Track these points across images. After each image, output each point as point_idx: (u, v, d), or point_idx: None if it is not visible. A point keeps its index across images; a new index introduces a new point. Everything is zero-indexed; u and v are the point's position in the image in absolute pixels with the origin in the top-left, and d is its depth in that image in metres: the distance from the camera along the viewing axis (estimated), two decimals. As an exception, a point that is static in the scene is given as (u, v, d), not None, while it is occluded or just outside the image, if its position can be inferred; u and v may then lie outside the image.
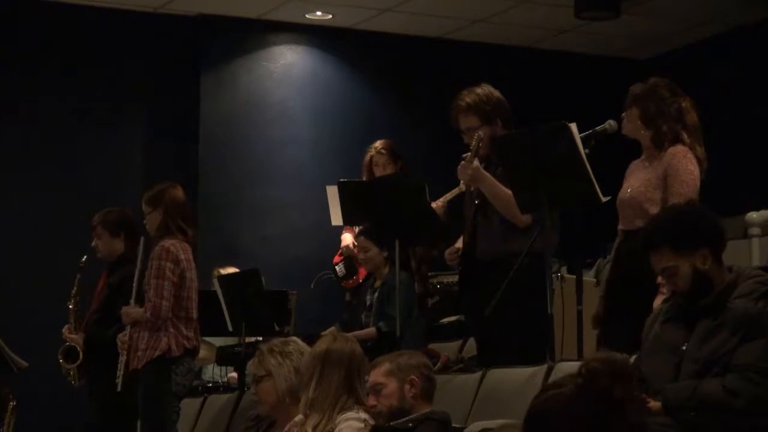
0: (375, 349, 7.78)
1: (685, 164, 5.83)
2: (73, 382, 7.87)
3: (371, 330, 7.86)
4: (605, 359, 2.63)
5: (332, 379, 5.32)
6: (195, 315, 7.10)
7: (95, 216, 7.83)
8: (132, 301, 7.14)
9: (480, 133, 6.23)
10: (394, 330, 7.69)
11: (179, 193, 7.22)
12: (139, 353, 6.97)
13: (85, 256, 7.94)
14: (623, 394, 2.59)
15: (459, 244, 6.52)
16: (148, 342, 6.95)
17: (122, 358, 7.09)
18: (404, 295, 7.34)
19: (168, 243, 7.03)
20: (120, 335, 7.13)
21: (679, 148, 5.89)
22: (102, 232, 7.76)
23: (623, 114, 6.05)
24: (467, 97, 6.35)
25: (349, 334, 7.76)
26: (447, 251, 6.56)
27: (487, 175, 6.19)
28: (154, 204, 7.16)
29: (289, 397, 5.65)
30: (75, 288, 7.94)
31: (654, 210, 5.74)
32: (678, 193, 5.78)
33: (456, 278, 8.90)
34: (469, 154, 6.24)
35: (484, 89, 6.40)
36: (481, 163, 6.36)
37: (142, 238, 7.31)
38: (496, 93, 6.40)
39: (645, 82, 6.06)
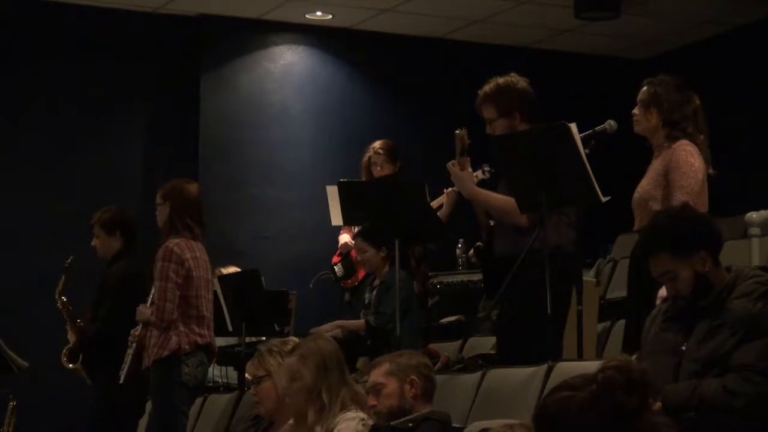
0: (364, 343, 7.84)
1: (686, 157, 5.85)
2: (87, 381, 7.89)
3: (361, 321, 7.93)
4: (622, 368, 2.62)
5: (321, 380, 5.37)
6: (207, 313, 7.06)
7: (93, 215, 7.85)
8: (149, 299, 7.11)
9: (460, 131, 6.18)
10: (383, 326, 7.74)
11: (191, 189, 7.19)
12: (149, 350, 6.96)
13: (71, 257, 7.93)
14: (637, 405, 2.59)
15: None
16: (157, 340, 6.93)
17: (129, 351, 7.08)
18: (402, 294, 7.35)
19: (172, 243, 6.99)
20: (132, 330, 7.12)
21: (681, 143, 5.90)
22: (99, 231, 7.79)
23: (636, 111, 6.03)
24: (487, 87, 6.25)
25: (341, 322, 7.87)
26: (470, 253, 6.57)
27: (472, 185, 6.15)
28: (164, 197, 7.14)
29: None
30: (60, 288, 7.94)
31: (656, 207, 5.75)
32: (680, 185, 5.79)
33: (456, 278, 8.95)
34: (457, 159, 6.19)
35: (507, 79, 6.24)
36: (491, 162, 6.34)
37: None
38: (521, 84, 6.23)
39: (657, 79, 6.04)
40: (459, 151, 6.17)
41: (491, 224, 6.32)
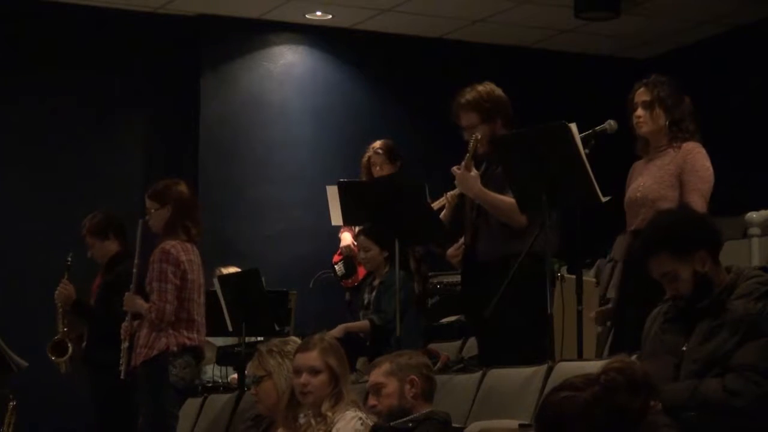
0: (364, 343, 7.84)
1: (702, 160, 5.89)
2: (61, 370, 7.90)
3: (365, 322, 7.92)
4: (624, 369, 2.62)
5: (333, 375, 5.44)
6: (198, 317, 7.06)
7: (82, 225, 7.85)
8: (132, 287, 7.10)
9: (477, 134, 6.24)
10: (386, 325, 7.75)
11: (184, 189, 7.17)
12: (137, 350, 6.96)
13: (70, 254, 7.91)
14: (639, 407, 2.59)
15: (462, 242, 6.53)
16: (146, 339, 6.93)
17: (124, 345, 7.08)
18: (401, 294, 7.34)
19: (168, 245, 6.97)
20: (124, 323, 7.12)
21: (694, 145, 5.92)
22: (92, 240, 7.81)
23: (639, 113, 5.99)
24: (468, 94, 6.37)
25: (345, 325, 7.88)
26: (450, 250, 6.58)
27: (480, 186, 6.19)
28: (160, 200, 7.08)
29: (288, 396, 5.65)
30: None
31: (666, 207, 5.75)
32: (696, 188, 5.82)
33: (456, 278, 8.94)
34: (464, 161, 6.23)
35: (486, 87, 6.40)
36: (481, 162, 6.37)
37: (141, 221, 7.23)
38: (498, 91, 6.40)
39: (653, 80, 6.02)
40: (471, 154, 6.21)
41: (476, 226, 6.35)
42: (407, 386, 5.16)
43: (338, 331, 7.85)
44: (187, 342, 6.96)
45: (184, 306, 6.98)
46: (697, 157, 5.89)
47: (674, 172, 5.89)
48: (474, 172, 6.23)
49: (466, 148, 6.32)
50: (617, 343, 5.97)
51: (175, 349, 6.90)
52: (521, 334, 5.94)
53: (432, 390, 5.25)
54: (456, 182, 6.34)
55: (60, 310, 7.86)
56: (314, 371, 5.44)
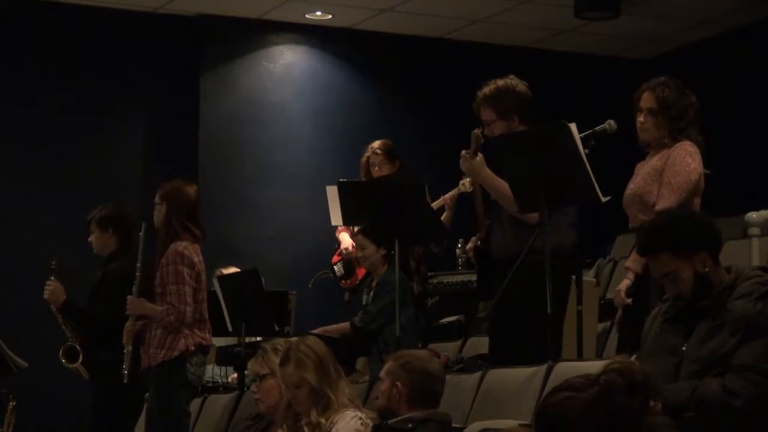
0: (349, 344, 7.83)
1: (683, 157, 5.84)
2: (84, 376, 7.88)
3: (345, 324, 7.92)
4: (624, 370, 2.62)
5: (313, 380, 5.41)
6: (206, 315, 7.09)
7: (91, 213, 7.87)
8: (135, 290, 7.07)
9: (477, 131, 6.22)
10: (367, 326, 7.74)
11: (190, 191, 7.14)
12: (151, 351, 6.92)
13: (54, 258, 7.85)
14: (639, 408, 2.60)
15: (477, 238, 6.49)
16: (162, 341, 6.89)
17: (128, 349, 7.05)
18: (393, 294, 7.33)
19: (181, 246, 6.94)
20: (126, 325, 7.09)
21: (684, 143, 5.89)
22: (94, 227, 7.81)
23: (642, 119, 5.97)
24: (486, 89, 6.23)
25: (323, 328, 7.87)
26: (468, 246, 6.54)
27: (486, 170, 6.16)
28: (162, 197, 7.11)
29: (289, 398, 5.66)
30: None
31: (652, 200, 5.75)
32: (669, 182, 5.79)
33: (456, 278, 8.94)
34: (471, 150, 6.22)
35: (507, 82, 6.23)
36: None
37: (144, 224, 7.21)
38: (520, 87, 6.23)
39: (660, 83, 5.99)
40: (473, 149, 6.19)
41: (489, 223, 6.32)
42: (393, 389, 5.16)
43: (317, 332, 7.84)
44: (202, 341, 6.98)
45: (198, 307, 6.98)
46: (679, 153, 5.85)
47: (659, 168, 5.89)
48: (479, 157, 6.16)
49: (465, 146, 6.30)
50: (621, 346, 5.94)
51: (193, 348, 6.91)
52: (535, 333, 5.84)
53: (425, 398, 5.18)
54: (462, 167, 6.28)
55: (59, 316, 7.83)
56: (295, 386, 5.46)
